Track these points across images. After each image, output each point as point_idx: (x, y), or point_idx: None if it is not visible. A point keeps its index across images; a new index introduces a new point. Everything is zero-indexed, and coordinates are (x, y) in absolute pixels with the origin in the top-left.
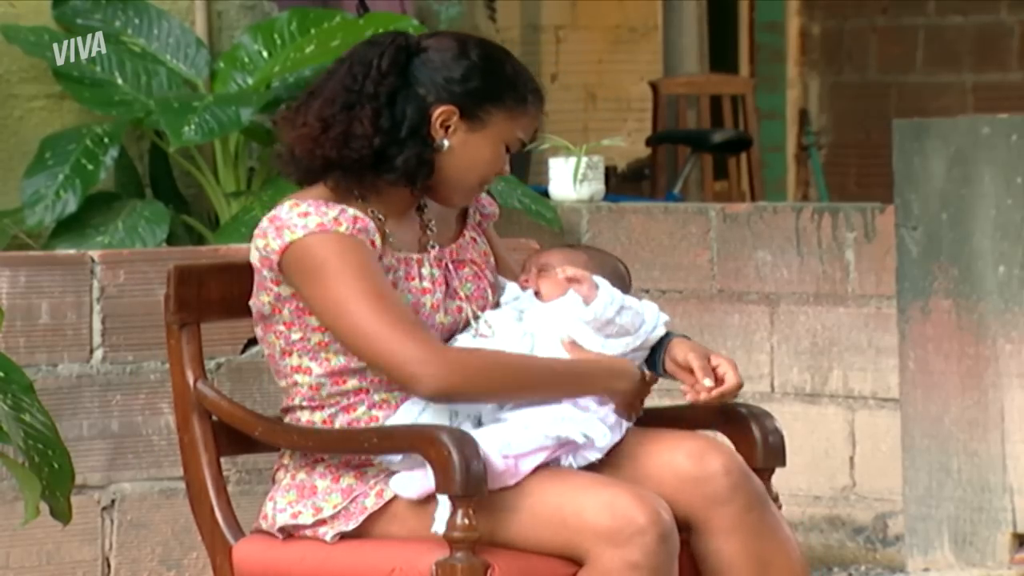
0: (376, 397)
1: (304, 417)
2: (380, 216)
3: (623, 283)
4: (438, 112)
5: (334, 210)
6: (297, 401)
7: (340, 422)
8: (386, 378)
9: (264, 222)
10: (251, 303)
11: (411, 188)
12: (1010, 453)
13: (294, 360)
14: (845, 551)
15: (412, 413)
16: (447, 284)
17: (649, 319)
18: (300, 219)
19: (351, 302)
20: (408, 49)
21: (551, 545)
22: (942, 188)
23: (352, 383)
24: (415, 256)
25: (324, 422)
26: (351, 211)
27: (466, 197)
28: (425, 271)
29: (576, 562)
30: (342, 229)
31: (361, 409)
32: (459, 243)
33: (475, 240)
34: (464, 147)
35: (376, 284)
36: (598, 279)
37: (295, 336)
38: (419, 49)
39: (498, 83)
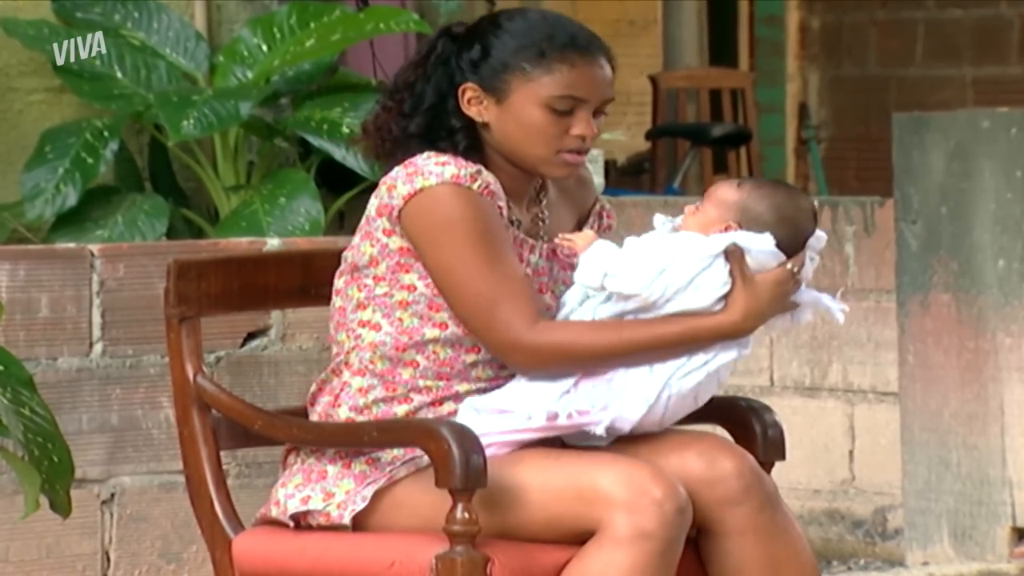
0: (421, 383)
1: (345, 377)
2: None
3: (789, 227)
4: (461, 91)
5: (473, 168)
6: (349, 358)
7: (378, 394)
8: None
9: (397, 168)
10: (345, 253)
11: (475, 160)
12: (1009, 447)
13: (367, 314)
14: (844, 545)
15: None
16: (549, 278)
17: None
18: (437, 167)
19: (469, 262)
20: (459, 36)
21: (564, 518)
22: (942, 182)
23: (410, 353)
24: (531, 241)
25: (361, 390)
26: (487, 174)
27: (551, 166)
28: (533, 258)
29: (581, 543)
30: (476, 186)
31: (402, 389)
32: None
33: None
34: (501, 121)
35: (497, 248)
36: (598, 243)
37: (379, 291)
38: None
39: (507, 50)
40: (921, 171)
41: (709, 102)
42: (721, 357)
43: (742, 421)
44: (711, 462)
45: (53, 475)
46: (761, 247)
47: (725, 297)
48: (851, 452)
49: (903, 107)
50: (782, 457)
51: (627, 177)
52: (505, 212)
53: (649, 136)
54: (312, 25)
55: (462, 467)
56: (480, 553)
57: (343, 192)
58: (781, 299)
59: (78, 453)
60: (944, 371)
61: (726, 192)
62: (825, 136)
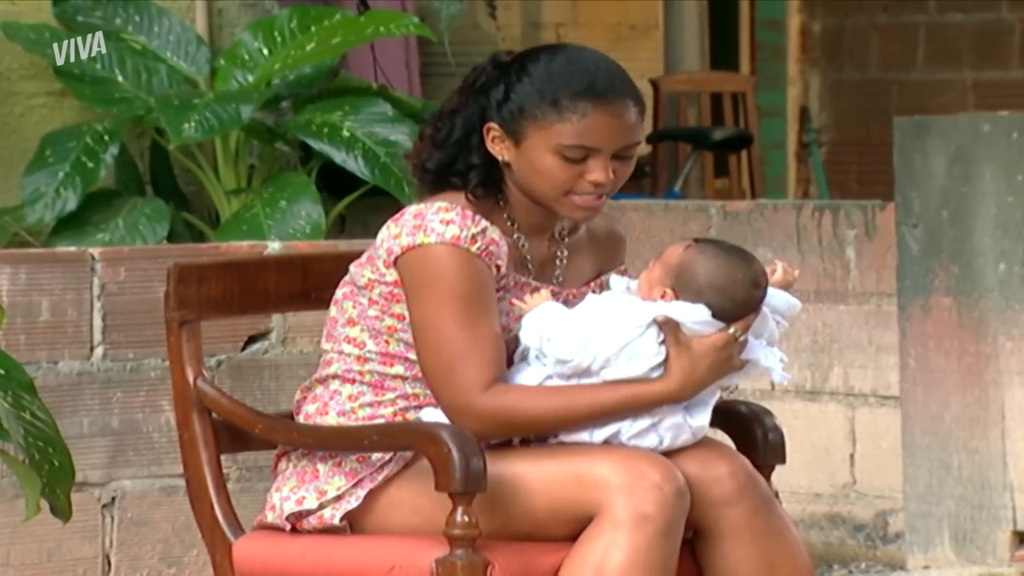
0: (409, 389)
1: (334, 386)
2: (519, 234)
3: (721, 297)
4: (486, 129)
5: (477, 226)
6: (334, 369)
7: (367, 399)
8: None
9: (408, 213)
10: (352, 266)
11: (496, 199)
12: (1010, 451)
13: (355, 332)
14: (845, 549)
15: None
16: None
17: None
18: (441, 225)
19: (441, 322)
20: (501, 67)
21: (565, 502)
22: (943, 186)
23: (398, 369)
24: (533, 283)
25: (350, 397)
26: (492, 232)
27: (564, 207)
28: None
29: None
30: (475, 248)
31: (391, 395)
32: (581, 291)
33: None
34: (518, 162)
35: (474, 310)
36: (544, 304)
37: (371, 312)
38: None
39: (524, 95)
40: (922, 175)
41: (710, 106)
42: (668, 421)
43: (742, 425)
44: (705, 464)
45: (54, 479)
46: (695, 318)
47: (663, 364)
48: (852, 456)
49: (904, 111)
50: (782, 461)
51: (628, 181)
52: (504, 268)
53: (650, 140)
54: (313, 29)
55: (462, 471)
56: (480, 557)
57: (344, 196)
58: (722, 364)
59: (79, 457)
60: (945, 375)
61: (671, 253)
62: (826, 140)
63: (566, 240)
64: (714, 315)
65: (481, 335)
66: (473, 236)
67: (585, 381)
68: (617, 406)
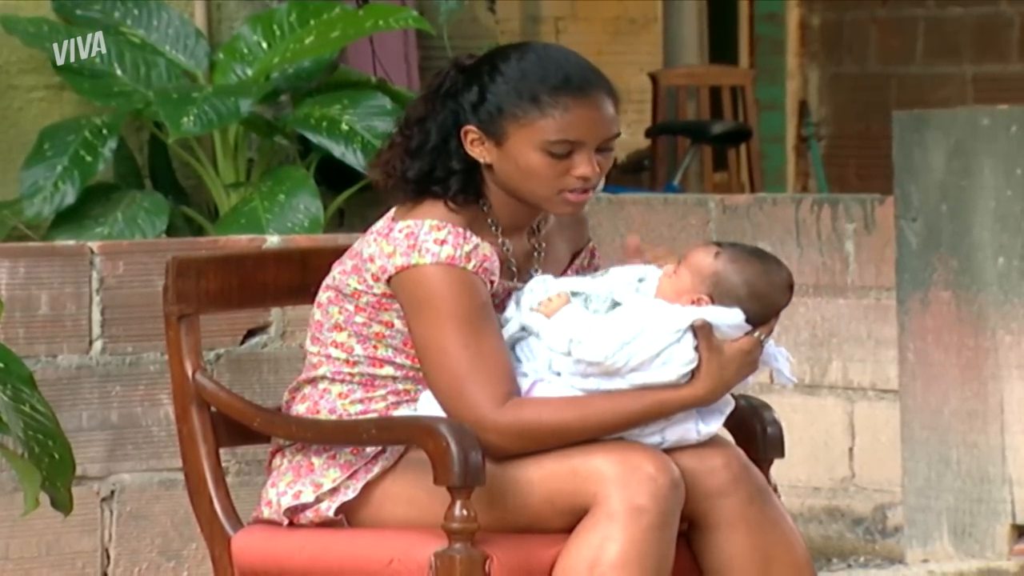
0: (400, 386)
1: (323, 386)
2: (503, 237)
3: (760, 303)
4: (463, 133)
5: (470, 244)
6: (322, 371)
7: (357, 396)
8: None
9: (399, 231)
10: (334, 271)
11: (478, 203)
12: (1009, 444)
13: (342, 337)
14: (844, 542)
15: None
16: None
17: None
18: (435, 245)
19: (444, 341)
20: (466, 70)
21: (561, 494)
22: (942, 180)
23: (387, 370)
24: (520, 286)
25: (340, 395)
26: (484, 248)
27: (554, 205)
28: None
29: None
30: (470, 266)
31: (381, 391)
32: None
33: None
34: (502, 162)
35: (476, 327)
36: (567, 307)
37: (358, 319)
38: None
39: (501, 94)
40: (921, 169)
41: (709, 99)
42: (678, 427)
43: (742, 419)
44: (699, 455)
45: (54, 472)
46: (730, 322)
47: (690, 371)
48: (851, 450)
49: (903, 105)
50: (781, 455)
51: (627, 175)
52: (497, 280)
53: (649, 133)
54: (312, 22)
55: (461, 465)
56: (479, 551)
57: (343, 189)
58: (748, 367)
59: (78, 450)
60: (944, 369)
61: (702, 260)
62: (825, 134)
63: (542, 232)
64: (746, 319)
65: (487, 351)
66: (467, 254)
67: (605, 383)
68: (644, 413)
